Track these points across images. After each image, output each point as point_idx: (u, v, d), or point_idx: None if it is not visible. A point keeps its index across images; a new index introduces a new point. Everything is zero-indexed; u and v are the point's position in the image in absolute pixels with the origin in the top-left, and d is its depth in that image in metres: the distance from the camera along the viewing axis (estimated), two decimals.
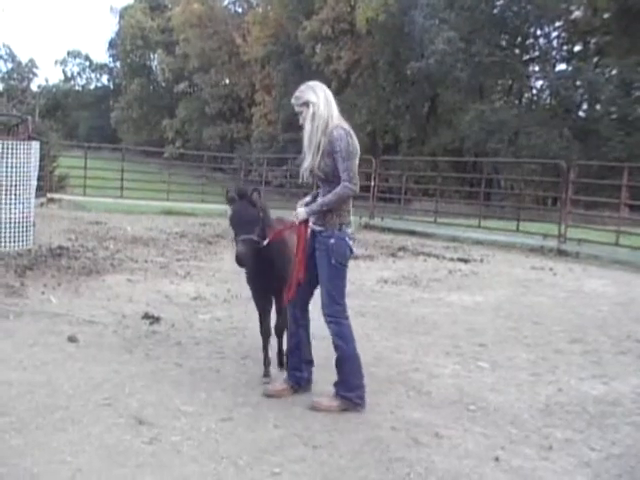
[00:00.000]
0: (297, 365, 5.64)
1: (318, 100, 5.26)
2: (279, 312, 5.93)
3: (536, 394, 6.05)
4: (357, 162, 5.28)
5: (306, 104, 5.29)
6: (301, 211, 5.35)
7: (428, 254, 15.07)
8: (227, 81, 70.45)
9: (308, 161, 5.30)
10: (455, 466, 4.47)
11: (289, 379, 5.67)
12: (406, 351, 7.19)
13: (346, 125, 5.34)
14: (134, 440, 4.57)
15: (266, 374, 5.93)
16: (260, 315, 5.99)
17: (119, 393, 5.43)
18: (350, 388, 5.37)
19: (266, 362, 5.97)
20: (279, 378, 5.87)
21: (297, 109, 5.40)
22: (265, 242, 5.41)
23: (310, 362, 5.70)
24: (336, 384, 5.43)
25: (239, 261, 5.30)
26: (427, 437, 4.92)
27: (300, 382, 5.66)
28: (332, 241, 5.25)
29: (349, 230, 5.35)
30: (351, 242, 5.36)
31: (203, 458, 4.36)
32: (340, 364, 5.40)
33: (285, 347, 5.90)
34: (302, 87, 5.40)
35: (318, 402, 5.38)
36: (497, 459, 4.60)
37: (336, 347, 5.39)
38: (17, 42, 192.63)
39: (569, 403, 5.85)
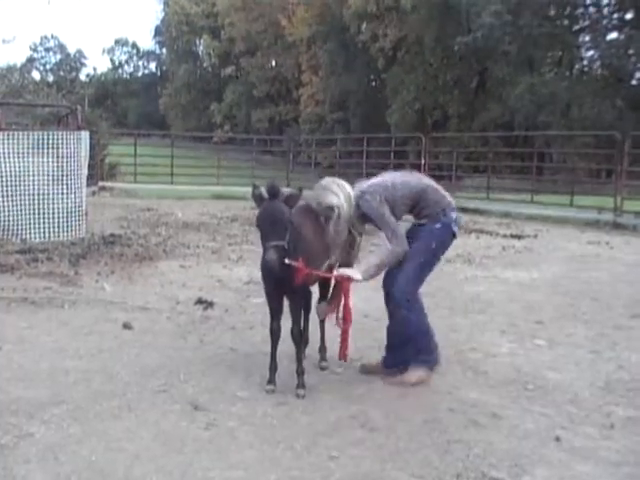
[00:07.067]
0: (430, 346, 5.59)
1: (340, 201, 5.21)
2: (293, 319, 5.33)
3: (596, 371, 5.92)
4: (404, 197, 5.32)
5: (330, 208, 5.22)
6: (355, 274, 5.21)
7: (481, 231, 14.91)
8: (273, 63, 70.58)
9: (333, 257, 5.41)
10: (515, 447, 4.39)
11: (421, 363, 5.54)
12: (462, 330, 7.12)
13: (364, 186, 5.35)
14: (190, 426, 4.57)
15: (270, 380, 5.32)
16: (271, 314, 5.40)
17: (174, 379, 5.44)
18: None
19: (272, 367, 5.35)
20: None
21: (321, 212, 5.34)
22: (289, 261, 4.90)
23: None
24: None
25: (269, 269, 4.91)
26: (485, 418, 4.85)
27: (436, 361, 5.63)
28: (437, 226, 5.33)
29: (454, 215, 5.42)
30: (456, 228, 5.44)
31: (260, 443, 4.34)
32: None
33: (302, 355, 5.48)
34: (319, 192, 5.32)
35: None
36: (558, 439, 4.51)
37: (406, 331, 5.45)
38: (65, 33, 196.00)
39: (630, 380, 5.71)
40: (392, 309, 5.47)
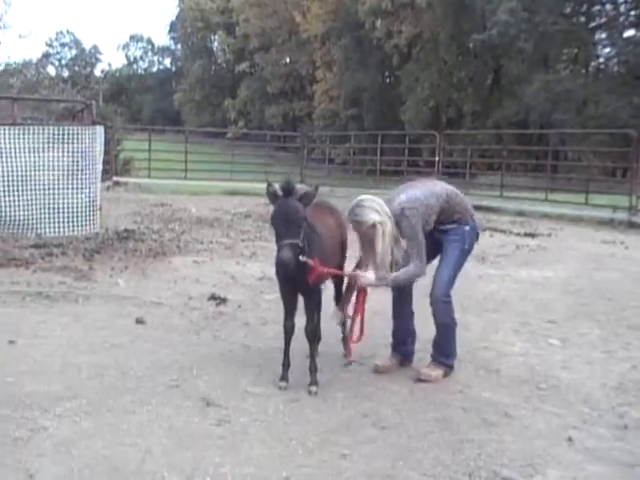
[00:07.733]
0: (404, 339, 5.86)
1: (382, 217, 5.14)
2: (308, 316, 5.31)
3: (609, 372, 5.90)
4: (435, 206, 5.36)
5: (372, 226, 5.12)
6: (370, 279, 5.21)
7: (494, 229, 14.82)
8: (288, 59, 70.62)
9: (379, 274, 5.20)
10: (527, 447, 4.38)
11: (396, 354, 5.86)
12: (474, 329, 7.11)
13: (401, 201, 5.29)
14: (202, 422, 4.59)
15: (283, 377, 5.31)
16: (285, 310, 5.40)
17: (187, 375, 5.46)
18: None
19: (285, 364, 5.36)
20: (384, 356, 5.92)
21: (356, 226, 5.27)
22: (304, 259, 4.89)
23: (414, 334, 5.91)
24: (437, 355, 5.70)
25: (284, 267, 4.85)
26: (497, 417, 4.84)
27: (408, 355, 5.89)
28: (467, 228, 5.53)
29: (477, 219, 5.69)
30: (480, 230, 5.79)
31: (271, 440, 4.35)
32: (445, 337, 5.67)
33: (315, 352, 5.44)
34: (357, 209, 5.17)
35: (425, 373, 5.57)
36: (570, 439, 4.49)
37: (444, 325, 5.60)
38: (81, 29, 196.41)
39: None
40: (431, 306, 5.53)
